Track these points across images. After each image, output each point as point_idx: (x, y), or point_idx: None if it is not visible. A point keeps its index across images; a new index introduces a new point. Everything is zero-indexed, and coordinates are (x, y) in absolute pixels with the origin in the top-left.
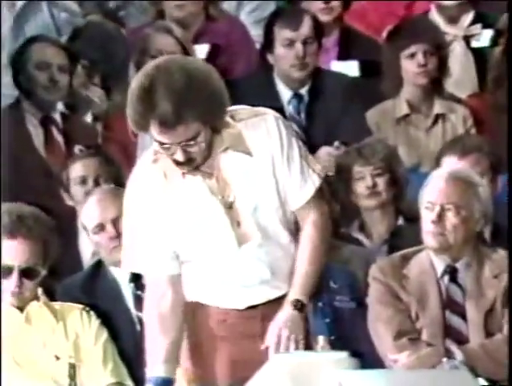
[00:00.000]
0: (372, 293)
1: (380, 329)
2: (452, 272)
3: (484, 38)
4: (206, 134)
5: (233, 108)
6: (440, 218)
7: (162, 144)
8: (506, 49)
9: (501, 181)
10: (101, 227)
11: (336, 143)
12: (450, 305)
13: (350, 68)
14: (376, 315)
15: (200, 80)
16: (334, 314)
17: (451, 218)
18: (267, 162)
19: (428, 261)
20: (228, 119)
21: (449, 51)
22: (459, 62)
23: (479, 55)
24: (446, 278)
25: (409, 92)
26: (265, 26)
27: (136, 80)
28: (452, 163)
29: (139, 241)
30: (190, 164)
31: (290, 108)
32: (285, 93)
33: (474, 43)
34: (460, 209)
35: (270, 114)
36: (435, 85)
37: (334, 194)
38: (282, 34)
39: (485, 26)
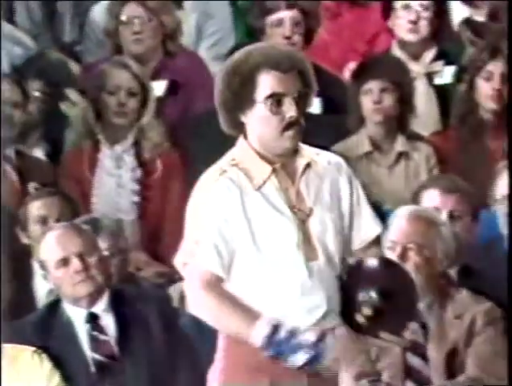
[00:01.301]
0: None
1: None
2: None
3: (446, 74)
4: (307, 104)
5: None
6: (402, 258)
7: (275, 98)
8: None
9: (479, 224)
10: (64, 262)
11: None
12: (411, 346)
13: (314, 106)
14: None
15: (297, 51)
16: None
17: (413, 257)
18: (335, 196)
19: None
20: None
21: (413, 89)
22: (422, 99)
23: (442, 92)
24: None
25: (371, 129)
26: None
27: (227, 62)
28: (433, 198)
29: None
30: (298, 125)
31: None
32: None
33: (437, 80)
34: (422, 249)
35: (338, 157)
36: (398, 123)
37: None
38: None
39: (448, 63)
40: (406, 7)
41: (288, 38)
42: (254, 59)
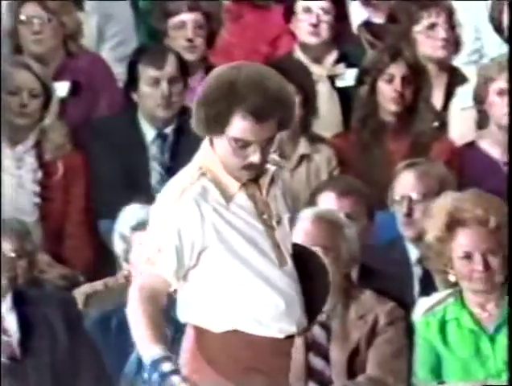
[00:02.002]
0: None
1: None
2: None
3: (348, 77)
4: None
5: None
6: None
7: (241, 143)
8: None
9: (375, 225)
10: None
11: None
12: (314, 347)
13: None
14: None
15: (285, 81)
16: None
17: None
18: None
19: None
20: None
21: (315, 91)
22: (324, 101)
23: (344, 94)
24: None
25: None
26: (128, 64)
27: (213, 78)
28: (329, 200)
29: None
30: (258, 169)
31: (153, 149)
32: (149, 132)
33: (339, 83)
34: (327, 251)
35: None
36: (301, 125)
37: None
38: (146, 72)
39: (349, 66)
40: (307, 10)
41: (191, 40)
42: (237, 94)
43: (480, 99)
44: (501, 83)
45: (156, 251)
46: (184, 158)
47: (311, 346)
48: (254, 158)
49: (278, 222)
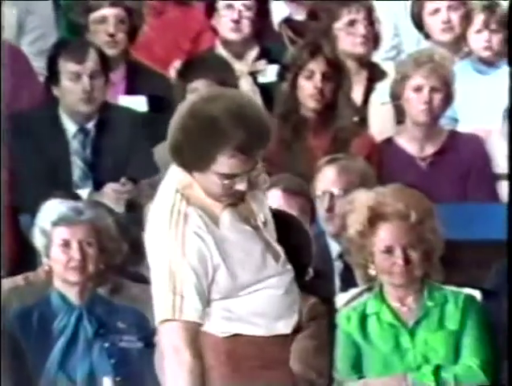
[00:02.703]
0: None
1: None
2: None
3: (270, 73)
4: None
5: None
6: None
7: (226, 176)
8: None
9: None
10: None
11: (123, 180)
12: None
13: (138, 103)
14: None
15: (258, 106)
16: (120, 354)
17: None
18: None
19: None
20: None
21: (237, 87)
22: None
23: (266, 90)
24: None
25: None
26: (48, 58)
27: (189, 116)
28: (274, 198)
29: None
30: (241, 195)
31: (75, 144)
32: (70, 128)
33: (260, 79)
34: None
35: None
36: None
37: (124, 232)
38: (67, 67)
39: (271, 62)
40: (229, 6)
41: (112, 35)
42: (221, 133)
43: (396, 95)
44: (418, 79)
45: (179, 298)
46: (106, 154)
47: None
48: (241, 186)
49: (265, 222)
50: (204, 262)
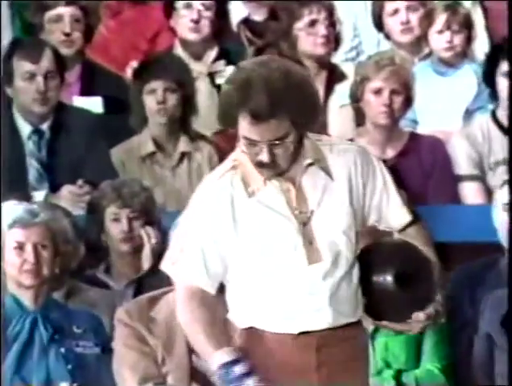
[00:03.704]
0: (117, 337)
1: (125, 374)
2: None
3: (228, 74)
4: (294, 139)
5: (319, 135)
6: None
7: (248, 141)
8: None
9: None
10: None
11: (80, 182)
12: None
13: (94, 104)
14: (121, 360)
15: (298, 80)
16: (77, 359)
17: None
18: (345, 190)
19: None
20: (313, 138)
21: (195, 88)
22: (204, 99)
23: None
24: None
25: (154, 129)
26: (2, 57)
27: (233, 73)
28: None
29: (194, 249)
30: (272, 168)
31: (30, 145)
32: (25, 129)
33: (219, 80)
34: None
35: (357, 146)
36: (181, 123)
37: (81, 235)
38: (21, 66)
39: (230, 63)
40: (188, 6)
41: (67, 35)
42: (243, 94)
43: (356, 97)
44: (378, 82)
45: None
46: (62, 155)
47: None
48: (263, 156)
49: (310, 216)
50: (220, 227)
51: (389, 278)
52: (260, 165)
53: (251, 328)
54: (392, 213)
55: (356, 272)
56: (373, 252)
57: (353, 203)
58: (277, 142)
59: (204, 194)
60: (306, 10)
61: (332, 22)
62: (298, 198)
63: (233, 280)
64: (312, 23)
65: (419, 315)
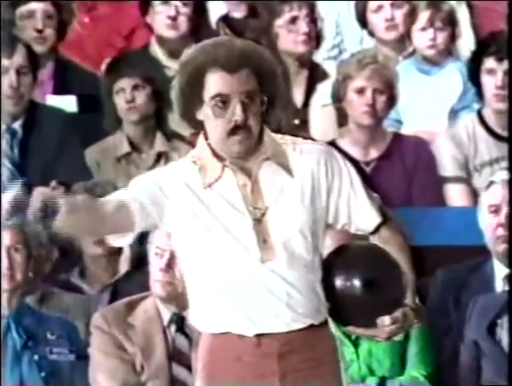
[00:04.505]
0: (94, 344)
1: (102, 382)
2: (179, 321)
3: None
4: (261, 104)
5: (282, 136)
6: (169, 266)
7: (220, 99)
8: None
9: None
10: None
11: (54, 183)
12: (176, 355)
13: (68, 103)
14: (98, 367)
15: (259, 47)
16: (51, 367)
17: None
18: (307, 189)
19: (154, 309)
20: (276, 137)
21: (169, 86)
22: None
23: None
24: (173, 327)
25: (128, 129)
26: None
27: (189, 52)
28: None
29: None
30: (244, 132)
31: (2, 144)
32: None
33: None
34: None
35: (323, 146)
36: (156, 121)
37: (55, 238)
38: None
39: None
40: (165, 3)
41: (40, 31)
42: (201, 57)
43: (338, 96)
44: (360, 81)
45: None
46: (35, 155)
47: (174, 355)
48: (237, 116)
49: (264, 213)
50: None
51: (355, 282)
52: (233, 130)
53: (214, 333)
54: (361, 215)
55: (317, 274)
56: (338, 255)
57: (315, 202)
58: (248, 98)
59: (159, 172)
60: (286, 6)
61: (313, 19)
62: (254, 193)
63: (191, 276)
64: (293, 20)
65: (385, 319)
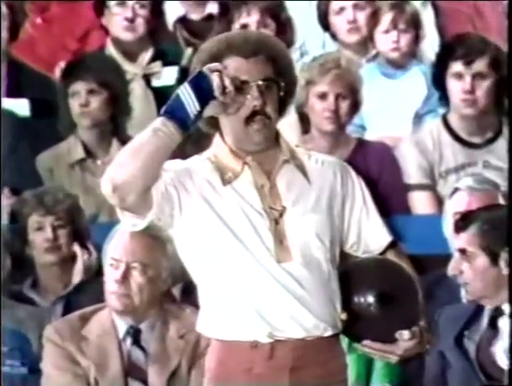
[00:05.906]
0: (46, 357)
1: None
2: (135, 334)
3: (165, 76)
4: (278, 91)
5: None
6: (125, 277)
7: (239, 84)
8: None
9: None
10: None
11: (6, 191)
12: (132, 370)
13: (20, 107)
14: (50, 382)
15: (271, 36)
16: (3, 379)
17: (137, 277)
18: (325, 197)
19: (110, 321)
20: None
21: (126, 90)
22: (138, 101)
23: (160, 94)
24: (128, 341)
25: (83, 134)
26: None
27: (203, 47)
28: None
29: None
30: (262, 120)
31: None
32: None
33: (155, 82)
34: (146, 268)
35: (338, 160)
36: (112, 127)
37: (7, 246)
38: None
39: (166, 64)
40: (122, 4)
41: None
42: (217, 45)
43: (300, 102)
44: (322, 86)
45: None
46: None
47: (130, 369)
48: (255, 101)
49: (281, 214)
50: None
51: (370, 299)
52: (251, 117)
53: (224, 340)
54: (372, 233)
55: (334, 284)
56: (351, 271)
57: (332, 210)
58: (265, 85)
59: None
60: (243, 9)
61: (275, 22)
62: (272, 194)
63: (203, 275)
64: (245, 26)
65: (404, 333)
